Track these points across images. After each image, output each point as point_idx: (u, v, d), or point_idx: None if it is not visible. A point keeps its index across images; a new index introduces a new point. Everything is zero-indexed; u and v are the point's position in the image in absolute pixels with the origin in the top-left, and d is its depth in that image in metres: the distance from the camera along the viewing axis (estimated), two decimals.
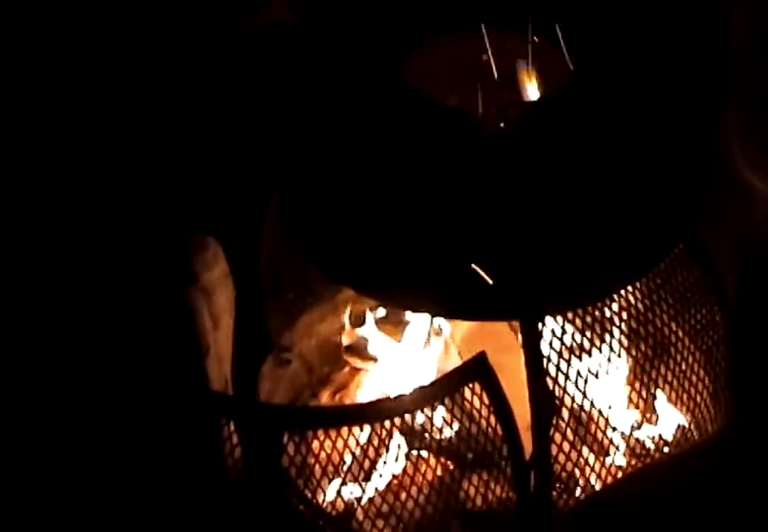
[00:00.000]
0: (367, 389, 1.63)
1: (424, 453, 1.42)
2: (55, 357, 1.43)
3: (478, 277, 1.26)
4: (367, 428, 1.34)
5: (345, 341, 1.66)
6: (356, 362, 1.66)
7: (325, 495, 1.43)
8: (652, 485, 1.25)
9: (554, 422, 1.35)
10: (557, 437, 1.36)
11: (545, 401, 1.34)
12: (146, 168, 1.50)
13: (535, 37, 1.40)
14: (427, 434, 1.41)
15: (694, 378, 1.45)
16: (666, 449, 1.46)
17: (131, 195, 1.48)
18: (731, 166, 1.46)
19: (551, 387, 1.34)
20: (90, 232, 1.46)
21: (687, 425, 1.48)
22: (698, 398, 1.45)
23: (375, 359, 1.63)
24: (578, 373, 1.36)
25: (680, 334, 1.44)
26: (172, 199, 1.51)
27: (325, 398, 1.66)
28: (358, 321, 1.65)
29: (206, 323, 1.45)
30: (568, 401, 1.36)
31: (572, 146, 1.33)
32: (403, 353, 1.56)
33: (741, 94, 1.43)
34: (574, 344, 1.36)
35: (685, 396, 1.46)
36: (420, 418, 1.35)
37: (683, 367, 1.44)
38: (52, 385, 1.42)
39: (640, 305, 1.42)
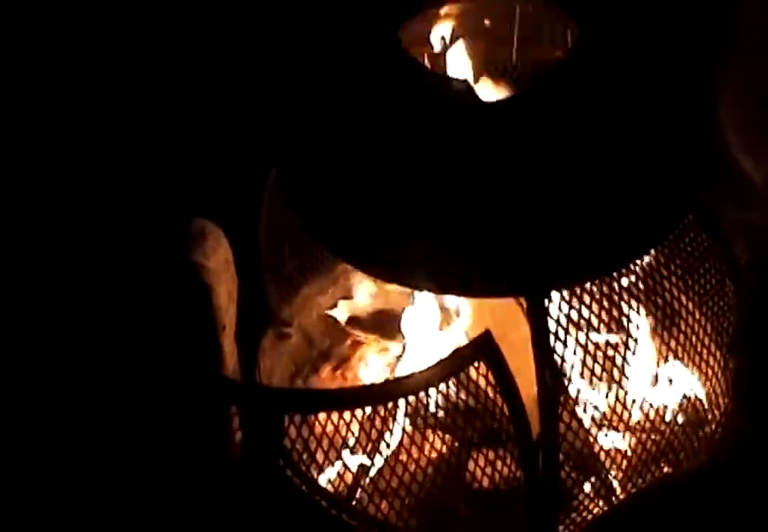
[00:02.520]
0: (369, 363, 1.60)
1: (429, 433, 1.39)
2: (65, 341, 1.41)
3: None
4: (369, 409, 1.30)
5: (346, 313, 1.62)
6: (358, 335, 1.63)
7: (328, 476, 1.40)
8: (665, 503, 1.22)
9: (562, 399, 1.32)
10: (565, 415, 1.33)
11: (553, 379, 1.31)
12: (141, 144, 1.47)
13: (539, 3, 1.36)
14: (431, 414, 1.38)
15: (704, 351, 1.41)
16: (678, 425, 1.43)
17: (128, 174, 1.45)
18: (725, 151, 1.43)
19: (559, 364, 1.31)
20: (90, 217, 1.43)
21: (700, 398, 1.45)
22: (709, 372, 1.42)
23: (377, 332, 1.59)
24: (586, 349, 1.33)
25: (690, 306, 1.41)
26: (170, 172, 1.48)
27: (326, 372, 1.63)
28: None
29: (222, 301, 1.41)
30: (575, 377, 1.33)
31: (577, 115, 1.30)
32: (407, 330, 1.52)
33: (739, 80, 1.39)
34: (582, 319, 1.32)
35: (696, 369, 1.43)
36: (424, 398, 1.31)
37: (693, 340, 1.40)
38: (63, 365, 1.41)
39: (648, 278, 1.38)
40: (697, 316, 1.40)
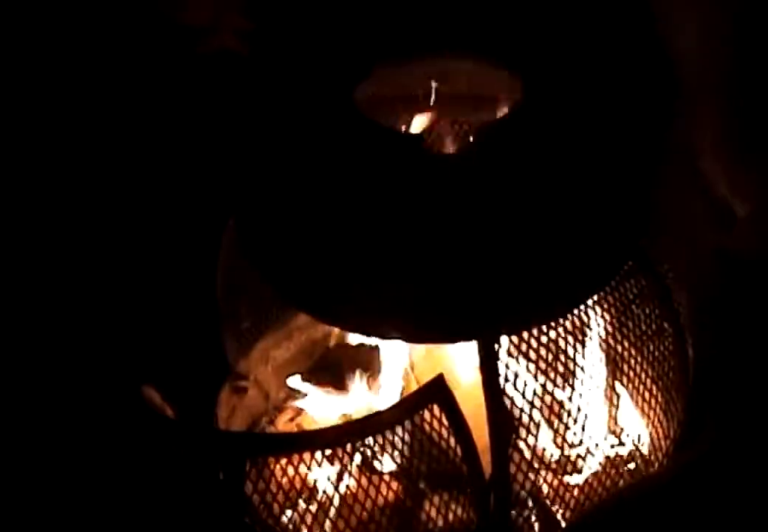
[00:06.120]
0: (324, 414, 1.63)
1: (385, 476, 1.43)
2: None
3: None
4: (328, 452, 1.34)
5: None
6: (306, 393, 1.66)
7: (287, 520, 1.43)
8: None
9: (512, 442, 1.37)
10: (516, 456, 1.38)
11: (503, 421, 1.35)
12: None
13: (484, 61, 1.43)
14: (387, 457, 1.42)
15: (647, 394, 1.47)
16: (623, 466, 1.48)
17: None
18: (712, 189, 1.49)
19: (509, 407, 1.36)
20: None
21: (643, 441, 1.50)
22: (652, 414, 1.48)
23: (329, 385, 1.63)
24: (534, 392, 1.38)
25: (633, 351, 1.46)
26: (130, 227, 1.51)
27: (281, 424, 1.66)
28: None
29: None
30: (525, 420, 1.38)
31: (522, 170, 1.36)
32: (358, 378, 1.57)
33: (724, 118, 1.46)
34: (530, 363, 1.38)
35: (639, 412, 1.48)
36: (380, 441, 1.35)
37: (636, 383, 1.46)
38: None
39: (591, 323, 1.44)
40: (639, 360, 1.46)
